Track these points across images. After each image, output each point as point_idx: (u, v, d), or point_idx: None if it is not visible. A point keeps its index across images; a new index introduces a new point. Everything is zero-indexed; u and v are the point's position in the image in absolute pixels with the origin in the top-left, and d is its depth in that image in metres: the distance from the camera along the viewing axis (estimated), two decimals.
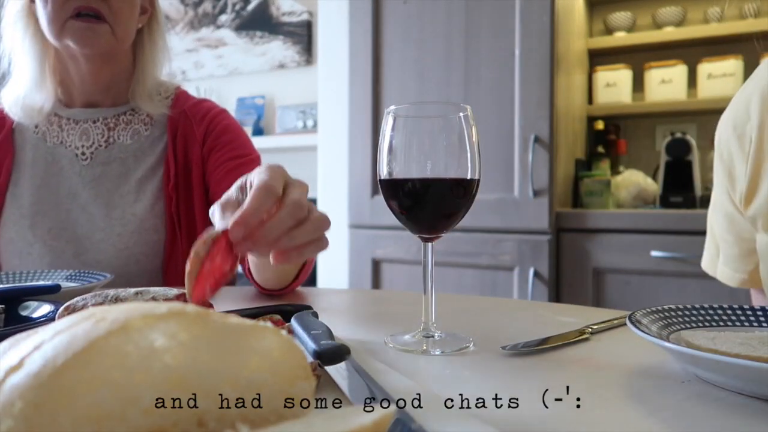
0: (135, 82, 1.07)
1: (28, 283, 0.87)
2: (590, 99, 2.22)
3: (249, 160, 1.05)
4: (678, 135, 1.96)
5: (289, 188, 0.54)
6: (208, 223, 1.06)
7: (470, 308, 0.76)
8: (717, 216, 0.82)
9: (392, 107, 0.56)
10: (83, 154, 1.05)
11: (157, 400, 0.22)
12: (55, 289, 0.70)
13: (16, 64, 1.04)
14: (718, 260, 0.84)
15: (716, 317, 0.55)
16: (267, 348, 0.26)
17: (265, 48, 3.02)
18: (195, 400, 0.23)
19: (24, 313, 0.64)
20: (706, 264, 0.88)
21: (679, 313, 0.54)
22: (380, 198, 1.93)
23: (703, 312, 0.55)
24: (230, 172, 1.02)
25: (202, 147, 1.06)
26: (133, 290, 0.53)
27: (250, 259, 0.81)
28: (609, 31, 2.21)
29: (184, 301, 0.51)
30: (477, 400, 0.41)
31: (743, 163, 0.74)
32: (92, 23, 0.95)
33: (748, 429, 0.36)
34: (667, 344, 0.43)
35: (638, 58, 2.16)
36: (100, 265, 0.99)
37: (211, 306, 0.51)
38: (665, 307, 0.54)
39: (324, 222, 0.55)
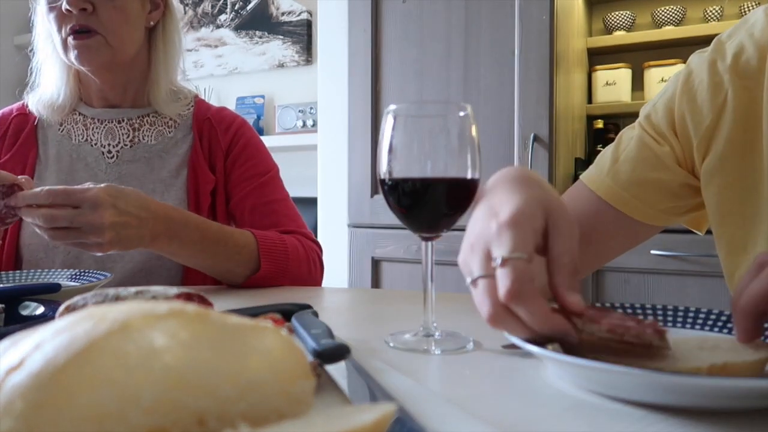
0: (151, 83, 1.09)
1: (28, 283, 0.87)
2: (590, 98, 2.21)
3: (269, 177, 1.11)
4: None
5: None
6: (229, 225, 1.08)
7: (470, 307, 0.75)
8: (636, 144, 0.75)
9: (392, 106, 0.55)
10: (109, 152, 1.07)
11: (156, 399, 0.22)
12: (55, 288, 0.70)
13: (44, 72, 1.09)
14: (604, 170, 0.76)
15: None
16: (267, 347, 0.26)
17: (265, 47, 3.01)
18: (195, 399, 0.23)
19: (24, 312, 0.64)
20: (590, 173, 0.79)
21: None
22: (380, 197, 1.93)
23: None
24: (253, 191, 1.08)
25: (226, 158, 1.10)
26: (133, 289, 0.53)
27: None
28: (608, 30, 2.21)
29: (184, 301, 0.51)
30: (477, 399, 0.41)
31: (709, 111, 0.70)
32: (85, 39, 0.98)
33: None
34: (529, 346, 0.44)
35: (638, 57, 2.15)
36: (123, 260, 1.00)
37: (211, 305, 0.51)
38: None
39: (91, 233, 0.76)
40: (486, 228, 0.48)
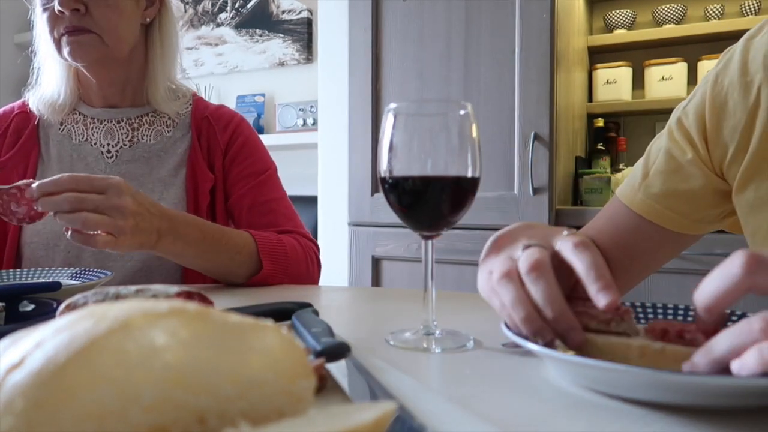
0: (149, 80, 1.08)
1: (29, 281, 0.87)
2: (590, 96, 2.21)
3: (267, 176, 1.11)
4: None
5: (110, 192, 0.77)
6: (227, 223, 1.08)
7: (471, 306, 0.76)
8: (663, 156, 0.75)
9: (392, 105, 0.55)
10: (108, 152, 1.08)
11: (157, 398, 0.22)
12: (56, 286, 0.70)
13: (44, 72, 1.08)
14: (637, 184, 0.76)
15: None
16: (268, 346, 0.26)
17: (265, 46, 3.01)
18: (196, 397, 0.23)
19: (25, 310, 0.65)
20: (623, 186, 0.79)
21: None
22: (380, 196, 1.93)
23: None
24: (251, 190, 1.08)
25: (224, 156, 1.10)
26: (133, 288, 0.53)
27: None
28: (609, 28, 2.21)
29: (185, 299, 0.51)
30: (477, 397, 0.41)
31: (743, 113, 0.67)
32: (78, 36, 0.97)
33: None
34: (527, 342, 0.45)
35: (638, 55, 2.15)
36: (123, 259, 1.00)
37: (211, 303, 0.51)
38: None
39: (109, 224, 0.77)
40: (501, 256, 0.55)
